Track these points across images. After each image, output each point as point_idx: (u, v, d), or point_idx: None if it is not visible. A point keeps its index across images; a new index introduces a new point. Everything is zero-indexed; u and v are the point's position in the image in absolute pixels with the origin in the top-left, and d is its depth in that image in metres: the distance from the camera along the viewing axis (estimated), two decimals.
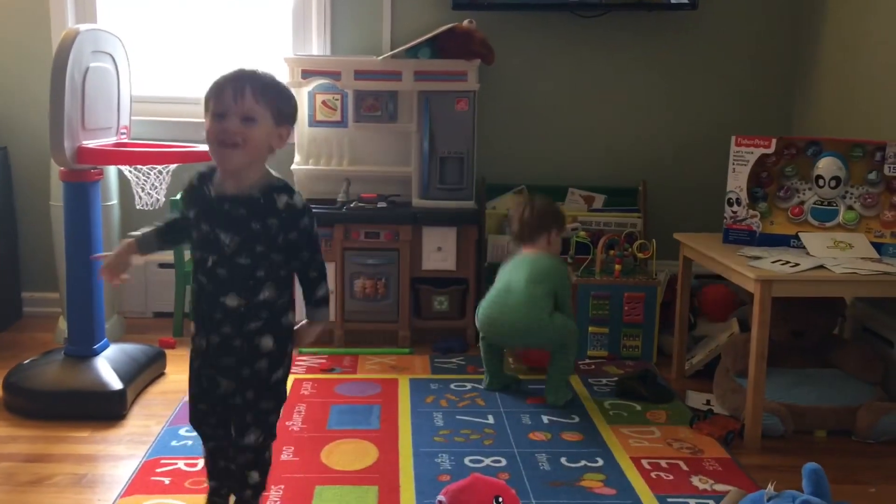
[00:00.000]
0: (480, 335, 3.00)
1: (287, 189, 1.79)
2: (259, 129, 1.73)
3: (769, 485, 1.95)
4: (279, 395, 1.88)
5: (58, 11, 3.57)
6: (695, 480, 2.33)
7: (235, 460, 1.88)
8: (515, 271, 2.93)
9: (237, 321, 1.79)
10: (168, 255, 3.57)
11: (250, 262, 1.77)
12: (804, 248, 2.75)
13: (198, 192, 1.83)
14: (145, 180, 2.99)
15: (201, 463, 2.34)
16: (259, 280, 1.78)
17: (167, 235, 1.97)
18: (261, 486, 1.92)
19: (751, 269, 2.55)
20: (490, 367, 3.00)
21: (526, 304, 2.83)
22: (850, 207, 2.81)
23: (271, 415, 1.87)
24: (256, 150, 1.74)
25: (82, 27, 2.68)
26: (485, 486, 1.98)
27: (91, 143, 2.74)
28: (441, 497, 1.96)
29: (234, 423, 1.86)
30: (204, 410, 1.90)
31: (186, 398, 2.81)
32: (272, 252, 1.78)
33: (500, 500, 1.95)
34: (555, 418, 2.73)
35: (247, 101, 1.72)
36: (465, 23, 3.44)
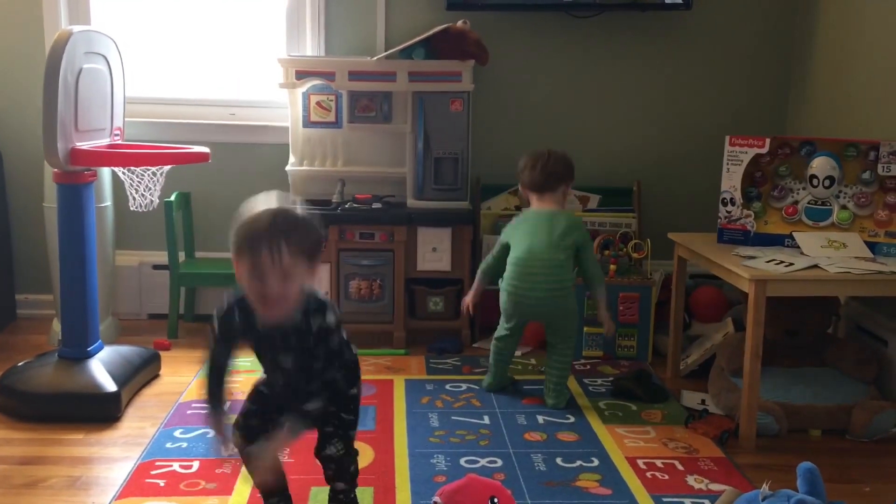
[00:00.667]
0: (504, 325, 2.91)
1: (321, 309, 1.85)
2: (297, 281, 1.78)
3: (764, 484, 1.95)
4: (356, 410, 2.01)
5: (51, 12, 3.56)
6: (690, 480, 2.33)
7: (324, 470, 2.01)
8: (534, 234, 2.82)
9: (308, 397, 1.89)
10: (162, 256, 3.56)
11: (312, 369, 1.88)
12: (798, 247, 2.76)
13: (241, 321, 1.87)
14: (139, 182, 2.98)
15: (196, 465, 2.35)
16: (319, 372, 1.89)
17: (223, 381, 1.94)
18: (349, 492, 2.02)
19: (745, 268, 2.55)
20: (497, 367, 2.96)
21: (555, 270, 2.77)
22: (843, 207, 2.82)
23: (350, 429, 2.00)
24: (295, 298, 1.81)
25: (75, 28, 2.67)
26: (480, 486, 1.99)
27: (84, 145, 2.73)
28: (436, 498, 1.96)
29: (318, 437, 1.98)
30: (255, 426, 1.96)
31: (181, 400, 2.81)
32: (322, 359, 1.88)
33: (496, 500, 1.95)
34: (550, 418, 2.74)
35: (284, 262, 1.75)
36: (460, 23, 3.44)
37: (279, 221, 1.77)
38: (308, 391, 1.87)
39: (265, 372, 1.98)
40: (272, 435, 1.85)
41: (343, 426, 1.97)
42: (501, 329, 2.93)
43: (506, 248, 2.88)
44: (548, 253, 2.78)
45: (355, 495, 2.03)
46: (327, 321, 1.85)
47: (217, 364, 1.90)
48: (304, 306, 1.83)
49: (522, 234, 2.84)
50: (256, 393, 2.01)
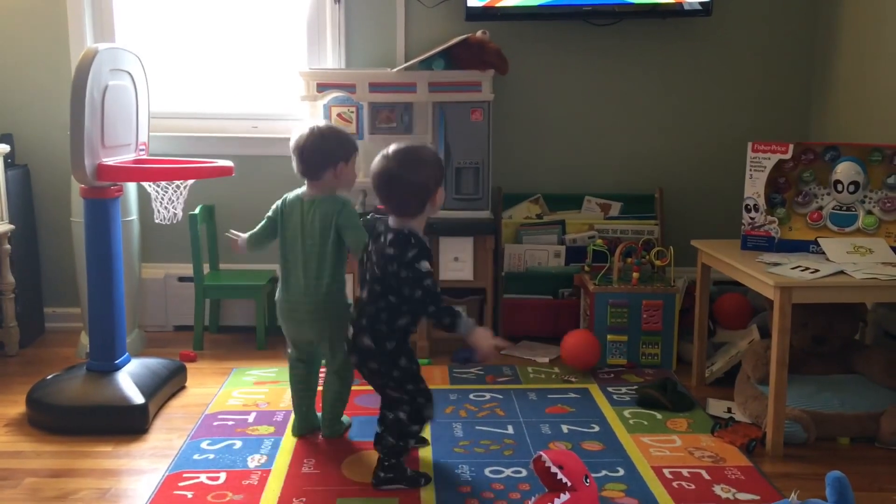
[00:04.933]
0: (287, 348, 2.67)
1: None
2: None
3: (793, 493, 1.94)
4: None
5: (76, 30, 3.62)
6: (717, 489, 2.31)
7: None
8: (300, 227, 2.53)
9: None
10: (188, 269, 3.60)
11: None
12: (823, 253, 2.74)
13: None
14: (163, 195, 3.02)
15: (223, 476, 2.37)
16: None
17: None
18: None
19: (770, 275, 2.53)
20: (299, 403, 2.64)
21: (324, 272, 2.52)
22: (869, 212, 2.79)
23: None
24: None
25: (101, 46, 2.71)
26: (579, 462, 2.06)
27: (111, 161, 2.77)
28: (541, 453, 2.02)
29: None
30: None
31: (207, 411, 2.84)
32: None
33: (588, 479, 2.02)
34: (575, 428, 2.73)
35: None
36: (479, 33, 3.45)
37: None
38: None
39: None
40: None
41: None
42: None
43: None
44: (316, 249, 2.55)
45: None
46: None
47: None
48: None
49: (289, 227, 2.59)
50: None
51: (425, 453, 2.53)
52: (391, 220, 2.29)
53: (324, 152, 2.53)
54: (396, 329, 2.27)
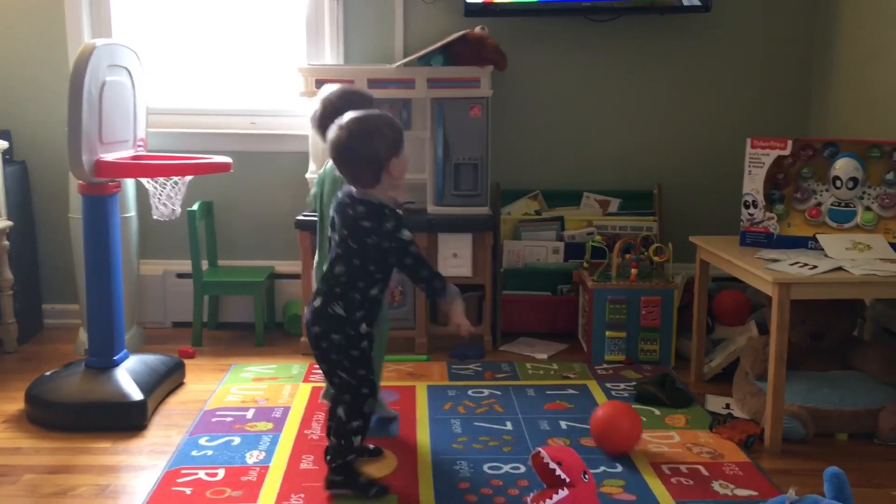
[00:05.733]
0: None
1: None
2: None
3: (791, 489, 1.93)
4: None
5: (74, 26, 3.61)
6: (715, 485, 2.32)
7: None
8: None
9: None
10: (186, 265, 3.60)
11: None
12: (822, 249, 2.74)
13: None
14: (161, 191, 3.02)
15: (222, 472, 2.37)
16: None
17: None
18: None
19: (768, 271, 2.53)
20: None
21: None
22: (867, 208, 2.79)
23: None
24: None
25: (98, 42, 2.71)
26: (577, 458, 2.06)
27: (109, 157, 2.76)
28: (539, 449, 2.02)
29: None
30: None
31: (206, 408, 2.84)
32: None
33: (587, 476, 2.02)
34: (573, 424, 2.73)
35: None
36: (478, 29, 3.45)
37: None
38: None
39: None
40: None
41: None
42: None
43: None
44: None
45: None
46: None
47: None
48: None
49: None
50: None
51: (423, 450, 2.53)
52: (355, 191, 2.20)
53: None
54: (369, 298, 2.22)
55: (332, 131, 2.17)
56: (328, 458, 2.26)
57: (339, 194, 2.25)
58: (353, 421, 2.22)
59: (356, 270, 2.19)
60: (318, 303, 2.23)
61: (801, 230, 2.84)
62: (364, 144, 2.13)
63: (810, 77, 3.74)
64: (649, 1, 3.51)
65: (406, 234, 2.16)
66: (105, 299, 2.82)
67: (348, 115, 2.18)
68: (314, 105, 2.54)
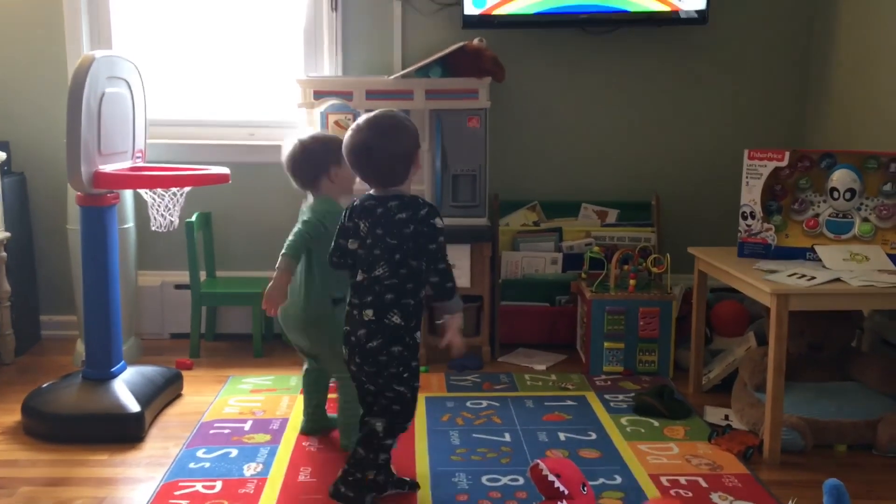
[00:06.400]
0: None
1: None
2: None
3: (790, 501, 1.93)
4: None
5: (73, 38, 3.62)
6: (714, 497, 2.31)
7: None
8: None
9: None
10: (184, 276, 3.60)
11: None
12: (820, 260, 2.74)
13: None
14: (160, 202, 3.02)
15: (219, 485, 2.36)
16: None
17: None
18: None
19: (767, 282, 2.54)
20: (308, 401, 2.70)
21: (305, 278, 2.49)
22: (865, 219, 2.80)
23: None
24: None
25: (98, 53, 2.71)
26: (576, 470, 2.06)
27: (107, 168, 2.76)
28: (539, 461, 2.02)
29: None
30: None
31: (203, 420, 2.83)
32: None
33: (586, 488, 2.01)
34: (572, 435, 2.72)
35: None
36: (476, 41, 3.46)
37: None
38: None
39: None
40: None
41: None
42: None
43: None
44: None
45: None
46: None
47: None
48: None
49: None
50: None
51: (421, 461, 2.52)
52: (374, 192, 2.19)
53: (311, 163, 2.52)
54: (421, 300, 2.18)
55: (352, 136, 2.17)
56: (348, 470, 2.17)
57: (356, 201, 2.22)
58: (388, 438, 2.18)
59: (400, 266, 2.13)
60: (370, 314, 2.14)
61: (798, 241, 2.84)
62: (396, 141, 2.15)
63: (807, 88, 3.76)
64: (647, 13, 3.53)
65: (439, 221, 2.16)
66: (103, 311, 2.81)
67: (363, 118, 2.19)
68: (285, 148, 2.58)
